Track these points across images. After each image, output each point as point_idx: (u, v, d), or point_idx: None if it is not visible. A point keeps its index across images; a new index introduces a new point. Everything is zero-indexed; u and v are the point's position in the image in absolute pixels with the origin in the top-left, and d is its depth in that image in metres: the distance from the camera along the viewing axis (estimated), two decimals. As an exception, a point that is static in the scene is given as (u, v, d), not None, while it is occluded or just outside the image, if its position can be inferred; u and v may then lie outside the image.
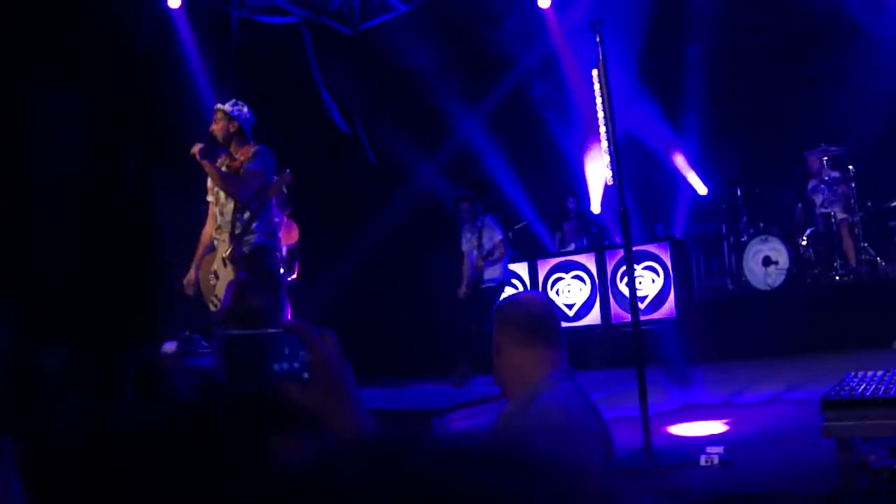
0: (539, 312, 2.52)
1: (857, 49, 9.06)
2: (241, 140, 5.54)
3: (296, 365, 1.20)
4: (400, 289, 10.98)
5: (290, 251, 7.48)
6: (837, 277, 8.57)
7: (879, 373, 4.15)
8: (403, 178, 10.96)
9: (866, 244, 8.60)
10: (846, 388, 3.90)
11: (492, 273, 8.26)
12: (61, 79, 7.40)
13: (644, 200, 9.68)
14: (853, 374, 4.21)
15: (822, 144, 8.86)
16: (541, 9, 10.14)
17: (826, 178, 8.79)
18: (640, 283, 8.98)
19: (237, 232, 5.43)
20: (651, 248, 9.31)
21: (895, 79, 8.68)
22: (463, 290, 8.31)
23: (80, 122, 7.66)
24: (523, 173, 11.09)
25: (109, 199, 7.81)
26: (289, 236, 7.39)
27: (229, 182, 5.41)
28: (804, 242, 8.95)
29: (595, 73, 5.40)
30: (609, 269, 9.48)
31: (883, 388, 3.74)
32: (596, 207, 10.95)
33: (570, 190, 10.66)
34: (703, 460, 4.34)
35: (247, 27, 9.63)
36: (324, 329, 1.23)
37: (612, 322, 9.35)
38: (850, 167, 8.77)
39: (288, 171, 5.37)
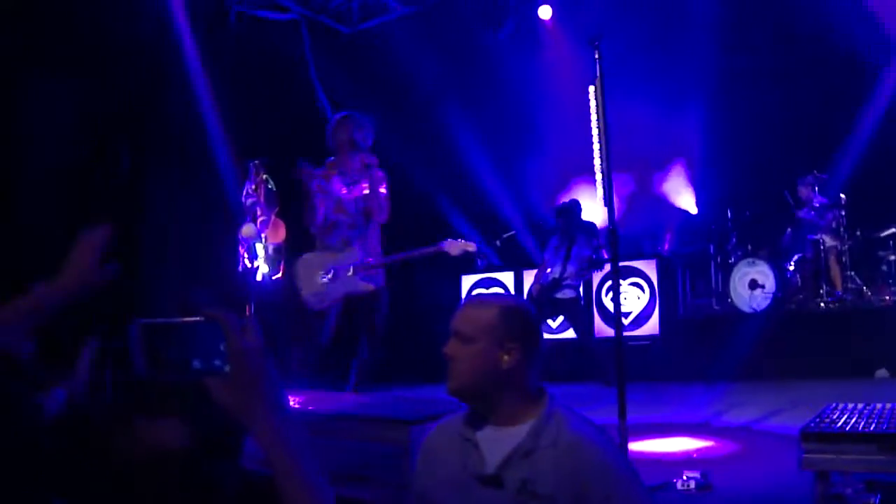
0: (537, 323, 2.17)
1: (852, 77, 9.08)
2: (356, 148, 5.46)
3: (216, 357, 1.14)
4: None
5: (276, 249, 7.44)
6: (822, 304, 8.58)
7: (860, 406, 4.13)
8: (393, 182, 10.87)
9: (853, 273, 8.61)
10: (826, 420, 3.87)
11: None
12: (54, 69, 7.35)
13: (635, 216, 9.67)
14: (834, 405, 4.18)
15: (815, 172, 8.89)
16: (541, 20, 10.12)
17: (816, 204, 8.80)
18: (624, 298, 8.96)
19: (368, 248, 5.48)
20: (638, 264, 9.28)
21: (889, 108, 8.70)
22: None
23: (71, 113, 7.61)
24: (513, 184, 11.05)
25: (96, 191, 7.77)
26: (276, 235, 7.36)
27: (384, 207, 5.55)
28: (791, 267, 8.96)
29: (592, 89, 5.36)
30: (595, 282, 9.44)
31: (863, 423, 3.71)
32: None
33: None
34: (679, 484, 4.31)
35: (245, 22, 9.58)
36: (246, 318, 1.18)
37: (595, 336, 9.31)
38: (842, 195, 8.80)
39: None
